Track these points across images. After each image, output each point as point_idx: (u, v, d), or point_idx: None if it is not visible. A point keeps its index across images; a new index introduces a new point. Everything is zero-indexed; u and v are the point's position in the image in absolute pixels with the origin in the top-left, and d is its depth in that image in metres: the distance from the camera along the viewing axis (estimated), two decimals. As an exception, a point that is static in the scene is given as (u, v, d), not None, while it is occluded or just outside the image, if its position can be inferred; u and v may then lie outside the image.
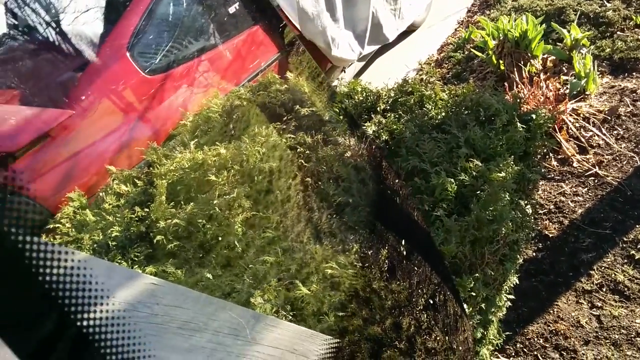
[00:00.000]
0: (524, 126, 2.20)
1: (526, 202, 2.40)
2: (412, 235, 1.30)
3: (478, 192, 1.88)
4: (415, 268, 1.16)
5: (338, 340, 0.99)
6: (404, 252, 1.17)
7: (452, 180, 1.89)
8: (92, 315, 1.25)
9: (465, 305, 1.77)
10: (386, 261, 1.15)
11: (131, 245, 2.27)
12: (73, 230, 2.42)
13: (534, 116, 2.28)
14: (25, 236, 0.76)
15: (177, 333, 1.14)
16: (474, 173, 1.92)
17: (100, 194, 2.57)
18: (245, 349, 1.03)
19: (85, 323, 1.16)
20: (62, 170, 2.85)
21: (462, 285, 1.72)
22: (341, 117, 2.56)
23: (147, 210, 2.34)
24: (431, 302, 1.08)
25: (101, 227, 2.35)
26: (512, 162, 1.92)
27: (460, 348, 1.00)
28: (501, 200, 1.82)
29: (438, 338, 0.99)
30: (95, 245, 2.28)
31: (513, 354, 2.58)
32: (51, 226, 2.47)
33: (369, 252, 1.23)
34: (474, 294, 1.75)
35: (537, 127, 2.24)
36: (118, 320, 1.23)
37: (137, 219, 2.35)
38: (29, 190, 2.81)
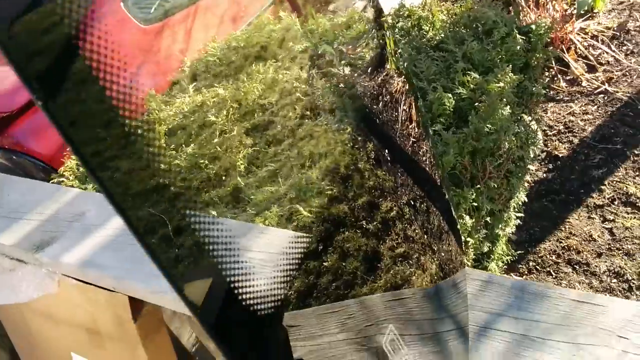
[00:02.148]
0: (523, 37, 2.13)
1: (531, 117, 2.34)
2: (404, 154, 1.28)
3: (476, 104, 1.84)
4: (400, 174, 1.14)
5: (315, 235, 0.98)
6: (389, 159, 1.15)
7: (450, 95, 1.85)
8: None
9: (467, 217, 1.75)
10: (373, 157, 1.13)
11: (134, 190, 2.28)
12: (77, 181, 2.43)
13: (533, 27, 2.20)
14: None
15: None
16: (472, 86, 1.87)
17: (101, 145, 2.57)
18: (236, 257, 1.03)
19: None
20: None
21: (463, 196, 1.69)
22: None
23: (147, 155, 2.34)
24: (412, 204, 1.06)
25: (103, 176, 2.36)
26: (510, 72, 1.87)
27: (442, 254, 0.98)
28: (500, 110, 1.78)
29: (416, 231, 0.97)
30: (88, 191, 2.31)
31: (526, 272, 2.58)
32: (55, 180, 2.48)
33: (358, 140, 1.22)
34: (476, 204, 1.73)
35: (538, 38, 2.17)
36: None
37: (138, 165, 2.36)
38: (30, 149, 2.82)
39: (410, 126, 1.44)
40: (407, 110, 1.55)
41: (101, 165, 0.62)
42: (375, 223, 0.96)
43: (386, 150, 1.16)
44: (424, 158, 1.35)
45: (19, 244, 1.29)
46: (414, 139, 1.33)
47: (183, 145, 2.42)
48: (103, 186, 0.61)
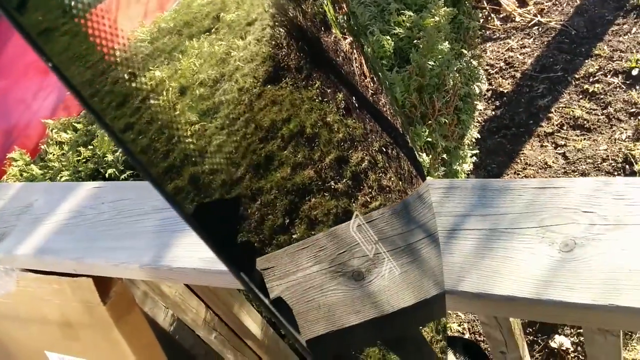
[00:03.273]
0: (451, -28, 2.14)
1: (470, 54, 2.36)
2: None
3: (415, 41, 1.84)
4: (368, 120, 1.12)
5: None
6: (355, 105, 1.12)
7: (388, 37, 1.84)
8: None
9: (424, 155, 1.75)
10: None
11: (85, 185, 2.20)
12: (23, 187, 2.33)
13: (459, -40, 2.22)
14: None
15: (125, 222, 1.11)
16: (408, 24, 1.86)
17: (42, 147, 2.47)
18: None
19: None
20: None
21: (417, 133, 1.70)
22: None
23: (92, 148, 2.26)
24: (384, 150, 1.04)
25: (49, 176, 2.27)
26: (442, 5, 1.87)
27: None
28: (439, 44, 1.78)
29: (392, 179, 0.95)
30: (30, 182, 2.23)
31: (489, 207, 2.62)
32: None
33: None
34: (430, 140, 1.74)
35: (465, -29, 2.18)
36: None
37: (84, 160, 2.27)
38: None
39: (366, 80, 1.43)
40: (360, 67, 1.53)
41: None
42: (345, 180, 0.94)
43: (354, 98, 1.13)
44: (384, 109, 1.34)
45: (-33, 247, 1.22)
46: (372, 92, 1.31)
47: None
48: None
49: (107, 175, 2.13)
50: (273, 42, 2.10)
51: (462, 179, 0.82)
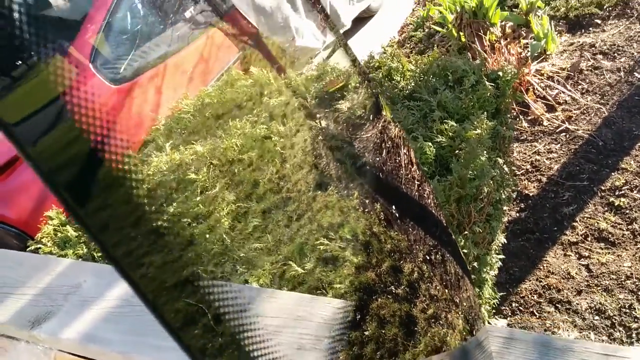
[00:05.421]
0: (492, 84, 2.22)
1: (503, 160, 2.42)
2: (409, 202, 1.30)
3: (456, 151, 1.90)
4: (411, 229, 1.16)
5: (342, 300, 0.98)
6: (398, 215, 1.17)
7: (430, 143, 1.90)
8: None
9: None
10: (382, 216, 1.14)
11: (117, 253, 2.23)
12: (56, 247, 2.37)
13: (500, 74, 2.31)
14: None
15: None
16: (450, 134, 1.93)
17: (78, 208, 2.52)
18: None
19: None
20: (37, 191, 2.79)
21: (453, 244, 1.73)
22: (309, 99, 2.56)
23: (128, 216, 2.31)
24: (428, 258, 1.08)
25: (84, 240, 2.31)
26: (485, 119, 1.94)
27: (464, 304, 1.00)
28: (480, 156, 1.83)
29: (438, 288, 0.98)
30: (80, 260, 2.25)
31: (510, 314, 2.61)
32: (32, 247, 2.41)
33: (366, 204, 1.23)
34: (465, 251, 1.76)
35: (505, 84, 2.26)
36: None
37: (119, 227, 2.32)
38: (1, 215, 2.75)
39: (413, 169, 1.47)
40: (407, 152, 1.58)
41: (134, 263, 0.62)
42: (402, 287, 0.97)
43: (393, 207, 1.18)
44: (429, 200, 1.38)
45: (12, 321, 1.24)
46: (418, 182, 1.35)
47: (164, 205, 2.40)
48: (136, 284, 0.60)
49: (140, 246, 2.16)
50: (314, 152, 2.18)
51: (523, 331, 0.84)
